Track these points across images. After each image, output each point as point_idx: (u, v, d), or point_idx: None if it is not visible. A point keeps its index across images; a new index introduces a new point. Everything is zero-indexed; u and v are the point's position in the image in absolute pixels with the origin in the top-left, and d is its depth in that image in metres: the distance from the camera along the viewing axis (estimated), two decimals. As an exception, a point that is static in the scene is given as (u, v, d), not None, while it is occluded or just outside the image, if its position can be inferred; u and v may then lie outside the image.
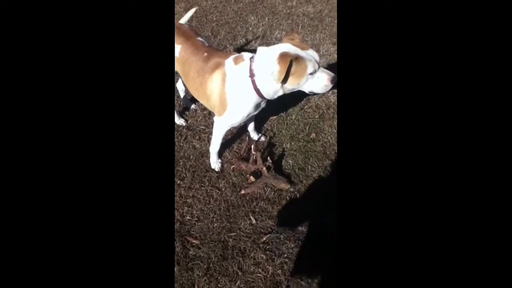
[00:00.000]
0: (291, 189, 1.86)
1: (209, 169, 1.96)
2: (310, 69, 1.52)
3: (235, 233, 1.68)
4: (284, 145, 2.10)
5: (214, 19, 3.26)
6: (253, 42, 2.98)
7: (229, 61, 1.65)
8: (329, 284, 1.50)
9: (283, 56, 1.44)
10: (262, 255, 1.60)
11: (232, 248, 1.63)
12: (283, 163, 2.00)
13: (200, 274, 1.54)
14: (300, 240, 1.66)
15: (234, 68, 1.63)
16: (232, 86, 1.64)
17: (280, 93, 1.61)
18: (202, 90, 1.74)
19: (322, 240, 1.63)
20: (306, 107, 2.37)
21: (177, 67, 1.86)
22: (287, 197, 1.83)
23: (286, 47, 1.51)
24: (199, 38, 1.85)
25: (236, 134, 2.17)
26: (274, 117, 2.28)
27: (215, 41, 2.95)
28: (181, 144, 2.10)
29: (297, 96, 2.35)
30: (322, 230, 1.68)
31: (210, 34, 3.04)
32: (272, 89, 1.59)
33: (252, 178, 1.85)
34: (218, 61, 1.67)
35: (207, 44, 1.85)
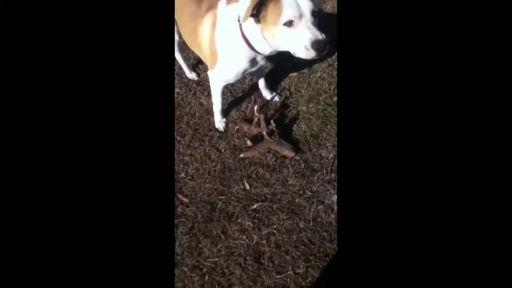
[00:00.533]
0: (296, 158, 1.63)
1: (212, 128, 1.81)
2: (285, 16, 1.14)
3: (225, 197, 1.54)
4: (299, 107, 1.83)
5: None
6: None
7: (223, 1, 1.38)
8: (319, 266, 1.30)
9: None
10: (249, 223, 1.44)
11: (220, 211, 1.50)
12: (294, 128, 1.76)
13: (183, 232, 1.46)
14: (294, 213, 1.46)
15: (225, 10, 1.35)
16: (222, 32, 1.38)
17: (268, 48, 1.29)
18: (194, 37, 1.51)
19: (320, 218, 1.42)
20: (337, 64, 2.02)
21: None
22: (290, 165, 1.61)
23: None
24: None
25: (248, 92, 1.96)
26: (295, 73, 1.99)
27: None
28: (189, 99, 1.97)
29: (328, 51, 2.03)
30: (321, 207, 1.45)
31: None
32: (255, 38, 1.27)
33: (249, 142, 1.66)
34: (212, 1, 1.42)
35: None
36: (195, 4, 1.47)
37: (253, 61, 1.43)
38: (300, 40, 1.16)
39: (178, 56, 2.03)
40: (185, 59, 2.05)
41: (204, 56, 1.55)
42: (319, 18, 1.21)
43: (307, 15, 1.16)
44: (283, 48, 1.26)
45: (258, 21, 1.22)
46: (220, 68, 1.48)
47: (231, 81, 1.61)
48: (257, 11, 1.18)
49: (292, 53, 1.24)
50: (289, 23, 1.16)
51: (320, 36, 1.15)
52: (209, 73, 1.58)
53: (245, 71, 1.47)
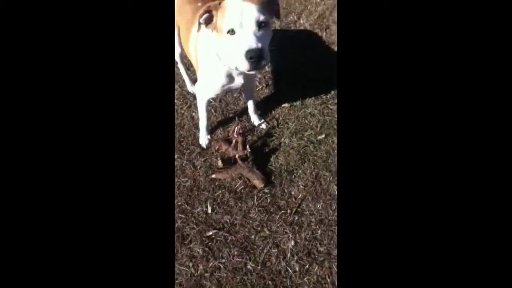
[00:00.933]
0: (265, 190, 1.59)
1: (195, 142, 1.82)
2: (227, 24, 1.09)
3: (185, 216, 1.53)
4: (282, 139, 1.80)
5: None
6: (304, 21, 2.63)
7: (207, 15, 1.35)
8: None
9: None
10: (200, 250, 1.41)
11: (176, 230, 1.49)
12: (272, 159, 1.72)
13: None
14: (246, 251, 1.41)
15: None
16: (202, 43, 1.37)
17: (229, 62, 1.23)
18: (187, 46, 1.54)
19: (269, 263, 1.35)
20: (330, 102, 1.97)
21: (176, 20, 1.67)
22: (256, 197, 1.57)
23: None
24: None
25: (240, 113, 1.95)
26: (287, 104, 1.96)
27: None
28: (183, 111, 2.00)
29: (323, 89, 2.00)
30: (274, 251, 1.38)
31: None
32: (221, 51, 1.22)
33: (220, 163, 1.64)
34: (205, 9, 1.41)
35: None
36: (193, 12, 1.48)
37: (230, 77, 1.43)
38: (237, 50, 1.10)
39: (181, 68, 2.08)
40: (187, 72, 2.09)
41: (195, 67, 1.58)
42: (267, 30, 1.15)
43: (250, 24, 1.09)
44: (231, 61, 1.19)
45: (215, 31, 1.19)
46: (200, 80, 1.49)
47: (213, 96, 1.63)
48: (208, 20, 1.17)
49: (235, 68, 1.19)
50: (232, 31, 1.10)
51: (254, 45, 1.05)
52: (195, 86, 1.61)
53: (223, 86, 1.47)
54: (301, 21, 2.64)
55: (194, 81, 2.13)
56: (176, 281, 1.34)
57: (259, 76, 2.16)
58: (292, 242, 1.43)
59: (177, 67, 2.12)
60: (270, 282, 1.32)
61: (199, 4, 1.50)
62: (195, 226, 1.50)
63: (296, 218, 1.50)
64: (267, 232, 1.47)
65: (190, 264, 1.38)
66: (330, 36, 2.49)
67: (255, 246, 1.42)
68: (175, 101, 2.05)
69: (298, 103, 1.96)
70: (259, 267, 1.36)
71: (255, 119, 1.88)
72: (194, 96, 2.08)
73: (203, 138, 1.82)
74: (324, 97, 1.98)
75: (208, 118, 1.76)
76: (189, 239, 1.46)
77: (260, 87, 2.13)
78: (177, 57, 2.00)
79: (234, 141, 1.68)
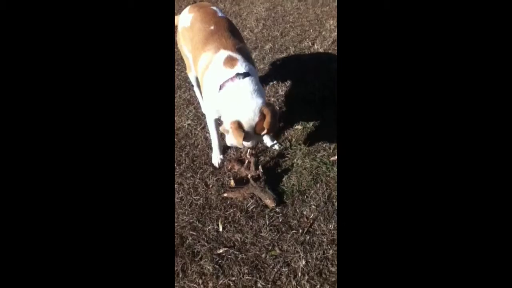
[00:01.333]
0: (277, 209, 1.59)
1: (208, 162, 1.87)
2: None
3: (197, 234, 1.54)
4: (295, 160, 1.82)
5: (291, 20, 3.12)
6: (318, 46, 2.73)
7: (221, 56, 1.54)
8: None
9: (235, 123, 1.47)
10: (210, 267, 1.41)
11: (187, 247, 1.50)
12: (284, 179, 1.73)
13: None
14: (257, 269, 1.39)
15: (217, 66, 1.54)
16: (208, 80, 1.57)
17: None
18: (196, 63, 1.71)
19: (280, 282, 1.32)
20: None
21: (186, 35, 1.82)
22: (267, 216, 1.57)
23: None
24: (213, 8, 1.81)
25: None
26: (300, 126, 2.00)
27: (280, 41, 2.82)
28: (197, 132, 2.07)
29: (336, 111, 2.03)
30: (285, 270, 1.36)
31: (278, 34, 2.93)
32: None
33: (232, 183, 1.67)
34: (215, 46, 1.57)
35: (219, 14, 1.78)
36: (205, 34, 1.65)
37: None
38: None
39: (196, 91, 2.19)
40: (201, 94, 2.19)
41: (200, 84, 1.74)
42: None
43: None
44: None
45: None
46: (206, 102, 1.65)
47: (216, 117, 1.74)
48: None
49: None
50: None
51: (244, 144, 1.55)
52: (203, 106, 1.79)
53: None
54: (316, 47, 2.74)
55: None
56: (186, 299, 1.33)
57: (272, 99, 2.23)
58: (303, 262, 1.40)
59: (193, 90, 2.23)
60: (280, 303, 1.29)
61: (212, 27, 1.65)
62: (206, 244, 1.50)
63: (308, 237, 1.48)
64: (278, 251, 1.45)
65: (200, 281, 1.38)
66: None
67: (266, 265, 1.40)
68: (190, 122, 2.14)
69: (311, 124, 1.99)
70: (269, 286, 1.33)
71: (267, 140, 1.91)
72: (209, 118, 2.16)
73: (216, 158, 1.86)
74: (336, 118, 2.01)
75: (219, 138, 1.82)
76: (200, 256, 1.46)
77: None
78: (192, 81, 2.11)
79: (246, 161, 1.71)
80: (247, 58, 1.58)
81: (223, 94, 1.49)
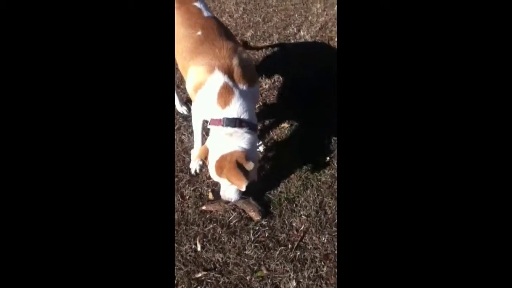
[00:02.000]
0: (263, 222, 1.40)
1: (185, 169, 1.65)
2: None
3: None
4: (281, 163, 1.63)
5: (274, 3, 2.87)
6: (304, 33, 2.50)
7: (216, 81, 1.32)
8: None
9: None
10: (187, 296, 1.23)
11: (161, 273, 1.31)
12: (270, 186, 1.54)
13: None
14: (241, 294, 1.22)
15: (210, 96, 1.33)
16: (200, 100, 1.39)
17: None
18: (184, 71, 1.50)
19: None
20: (335, 120, 1.79)
21: None
22: (252, 230, 1.38)
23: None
24: (197, 4, 1.55)
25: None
26: (287, 124, 1.80)
27: (263, 28, 2.58)
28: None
29: (325, 105, 1.85)
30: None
31: (260, 19, 2.68)
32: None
33: (210, 195, 1.47)
34: (208, 61, 1.34)
35: (206, 14, 1.54)
36: (193, 43, 1.45)
37: None
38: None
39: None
40: (178, 92, 1.96)
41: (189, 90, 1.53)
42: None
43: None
44: None
45: None
46: (194, 109, 1.49)
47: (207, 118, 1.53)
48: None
49: None
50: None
51: (229, 197, 1.42)
52: (192, 106, 1.56)
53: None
54: (302, 33, 2.51)
55: (185, 100, 2.00)
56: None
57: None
58: (294, 283, 1.23)
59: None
60: (268, 337, 1.12)
61: (199, 33, 1.45)
62: (182, 267, 1.31)
63: (298, 253, 1.31)
64: (265, 271, 1.27)
65: (176, 314, 1.20)
66: (334, 48, 2.35)
67: (251, 291, 1.23)
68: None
69: (298, 122, 1.79)
70: (255, 318, 1.16)
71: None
72: (183, 117, 1.93)
73: (195, 163, 1.66)
74: (327, 113, 1.81)
75: (202, 141, 1.61)
76: (176, 281, 1.28)
77: (256, 106, 1.98)
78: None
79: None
80: (247, 79, 1.34)
81: (210, 133, 1.39)
